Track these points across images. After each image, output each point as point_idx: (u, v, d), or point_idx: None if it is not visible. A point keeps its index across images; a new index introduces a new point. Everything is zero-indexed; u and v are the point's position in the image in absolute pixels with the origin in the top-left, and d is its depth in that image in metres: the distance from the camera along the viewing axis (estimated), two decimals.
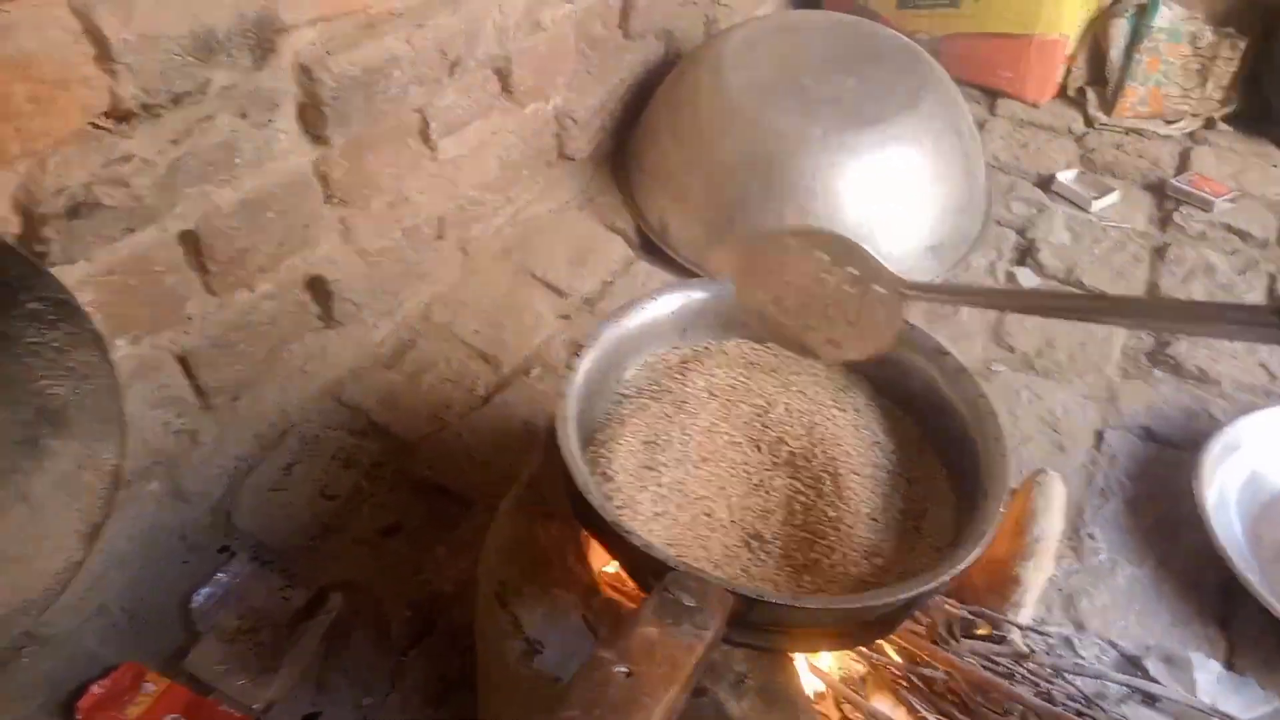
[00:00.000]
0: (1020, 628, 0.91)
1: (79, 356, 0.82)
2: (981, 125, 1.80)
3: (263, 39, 0.95)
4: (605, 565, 0.87)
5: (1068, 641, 0.97)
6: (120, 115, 0.87)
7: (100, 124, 0.86)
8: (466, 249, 1.39)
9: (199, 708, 0.89)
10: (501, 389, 1.24)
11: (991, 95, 1.89)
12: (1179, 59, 1.77)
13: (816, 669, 0.81)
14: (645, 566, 0.67)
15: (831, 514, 0.74)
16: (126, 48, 0.83)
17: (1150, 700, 0.90)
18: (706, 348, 0.90)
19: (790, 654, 0.71)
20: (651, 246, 1.49)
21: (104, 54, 0.82)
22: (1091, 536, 1.09)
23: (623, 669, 0.48)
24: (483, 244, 1.42)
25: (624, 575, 0.85)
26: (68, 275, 0.87)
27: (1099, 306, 0.86)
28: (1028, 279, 1.45)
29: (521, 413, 1.21)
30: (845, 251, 0.78)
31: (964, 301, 0.90)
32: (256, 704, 0.90)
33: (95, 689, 0.90)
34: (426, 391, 1.22)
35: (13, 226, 0.83)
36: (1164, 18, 1.74)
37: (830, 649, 0.74)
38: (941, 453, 0.80)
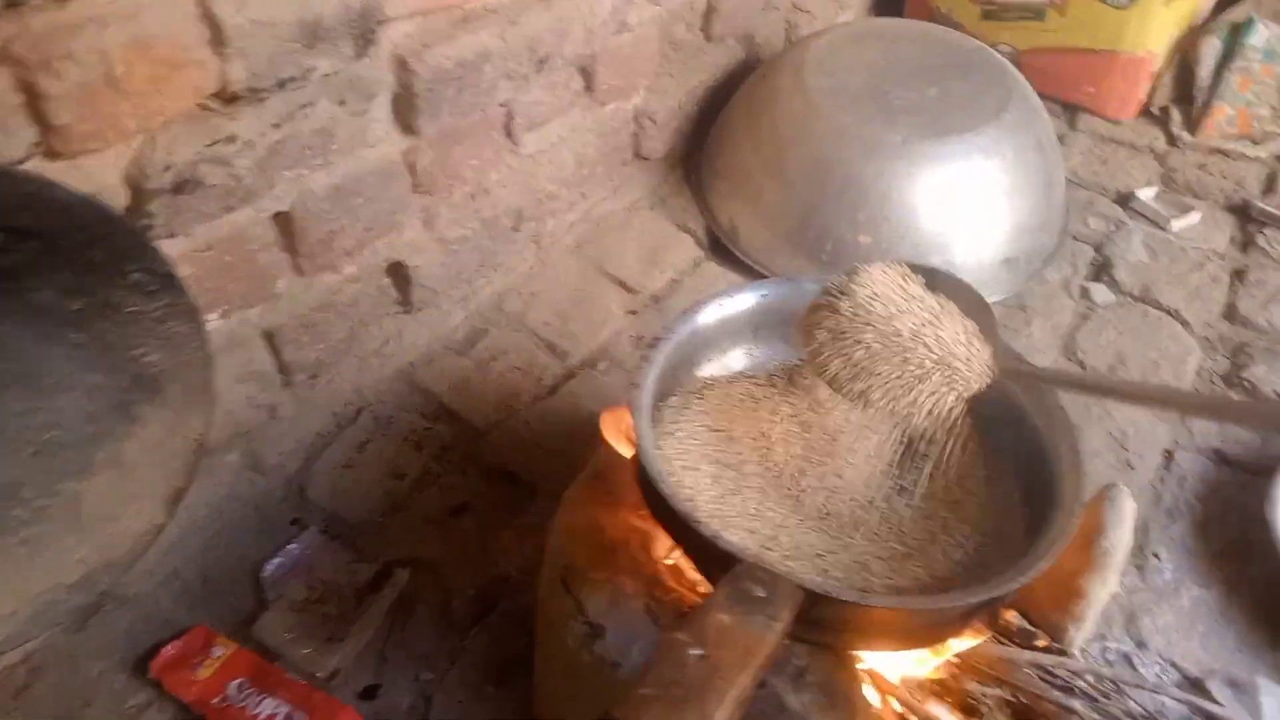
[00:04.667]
0: (1079, 646, 0.91)
1: (175, 328, 0.86)
2: (1061, 140, 1.77)
3: (365, 29, 0.98)
4: (666, 557, 0.88)
5: (1127, 659, 0.96)
6: (228, 97, 0.90)
7: (208, 105, 0.90)
8: (540, 242, 1.42)
9: (265, 673, 0.92)
10: (568, 380, 1.27)
11: (1072, 110, 1.86)
12: (1272, 79, 1.73)
13: (875, 671, 0.81)
14: (713, 558, 0.68)
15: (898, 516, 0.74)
16: (239, 32, 0.87)
17: None
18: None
19: (851, 653, 0.72)
20: (721, 248, 1.50)
21: (218, 37, 0.86)
22: (1156, 556, 1.07)
23: (697, 651, 0.49)
24: (556, 238, 1.44)
25: (682, 568, 0.87)
26: (167, 249, 0.90)
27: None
28: (1102, 295, 1.43)
29: (587, 405, 1.23)
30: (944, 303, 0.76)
31: (1062, 385, 0.84)
32: (320, 672, 0.93)
33: (168, 649, 0.93)
34: (496, 379, 1.25)
35: (121, 199, 0.87)
36: (1260, 36, 1.70)
37: (893, 649, 0.74)
38: (1013, 461, 0.80)
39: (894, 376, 0.73)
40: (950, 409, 0.74)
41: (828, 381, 0.76)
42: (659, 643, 0.50)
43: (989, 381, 0.74)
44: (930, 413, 0.74)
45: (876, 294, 0.74)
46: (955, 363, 0.73)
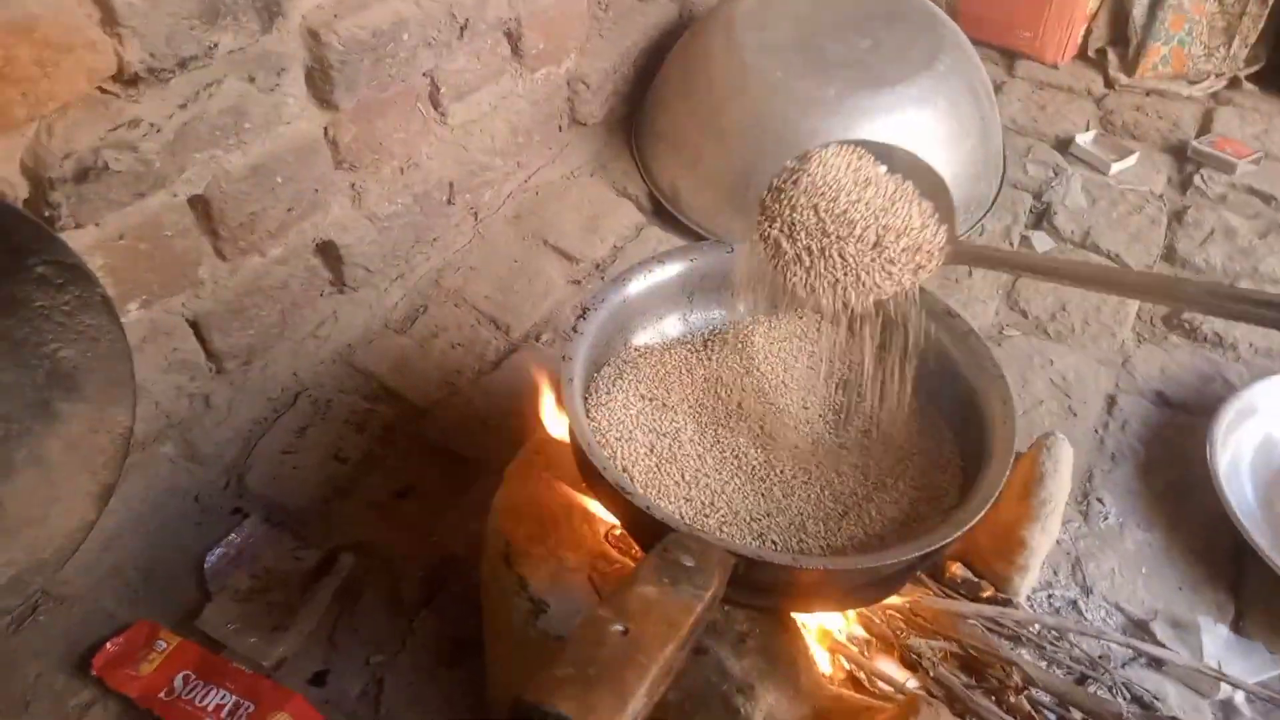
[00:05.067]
0: (1024, 595, 0.91)
1: (88, 320, 0.83)
2: (1000, 87, 1.77)
3: (269, 2, 0.94)
4: (613, 529, 0.87)
5: (1074, 605, 0.97)
6: (127, 80, 0.87)
7: (107, 88, 0.86)
8: (477, 214, 1.39)
9: (210, 665, 0.90)
10: (511, 354, 1.25)
11: (1010, 56, 1.86)
12: (1204, 16, 1.73)
13: (822, 630, 0.81)
14: (648, 528, 0.68)
15: (834, 476, 0.74)
16: (132, 11, 0.83)
17: (1156, 663, 0.90)
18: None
19: (793, 615, 0.72)
20: (663, 212, 1.48)
21: (109, 18, 0.83)
22: (1100, 501, 1.08)
23: (619, 627, 0.48)
24: (494, 210, 1.41)
25: (629, 539, 0.86)
26: (77, 240, 0.87)
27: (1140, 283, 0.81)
28: (1043, 243, 1.44)
29: (531, 378, 1.22)
30: (902, 182, 0.73)
31: (1016, 268, 0.81)
32: (267, 661, 0.92)
33: (110, 646, 0.91)
34: (438, 357, 1.23)
35: (21, 191, 0.84)
36: None
37: (833, 610, 0.75)
38: (947, 415, 0.80)
39: (844, 267, 0.71)
40: (905, 294, 0.73)
41: (781, 274, 0.74)
42: (582, 619, 0.49)
43: (944, 262, 0.73)
44: (884, 299, 0.73)
45: (828, 179, 0.72)
46: (909, 249, 0.71)
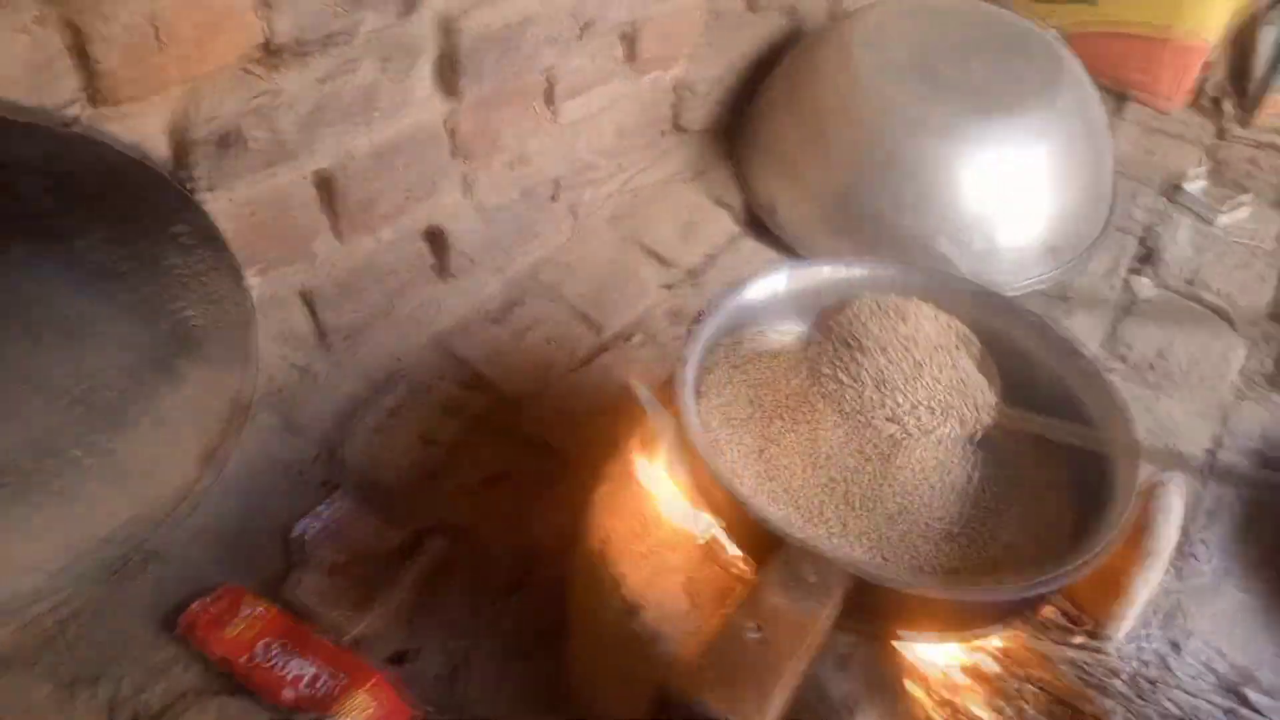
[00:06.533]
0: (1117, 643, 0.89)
1: (216, 285, 0.85)
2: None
3: None
4: (704, 533, 0.87)
5: (1163, 659, 0.95)
6: (272, 52, 0.89)
7: (254, 59, 0.89)
8: (577, 213, 1.40)
9: (294, 634, 0.91)
10: (602, 353, 1.25)
11: (1120, 97, 1.82)
12: None
13: (913, 662, 0.80)
14: (757, 536, 0.67)
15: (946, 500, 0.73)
16: None
17: None
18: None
19: (894, 642, 0.70)
20: (758, 224, 1.48)
21: None
22: (1195, 556, 1.05)
23: (755, 633, 0.48)
24: (593, 209, 1.42)
25: (717, 545, 0.86)
26: (208, 206, 0.90)
27: None
28: (1146, 288, 1.40)
29: (621, 378, 1.22)
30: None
31: None
32: (349, 635, 0.93)
33: (197, 606, 0.92)
34: (530, 349, 1.24)
35: (163, 152, 0.86)
36: None
37: (936, 640, 0.73)
38: (1065, 446, 0.78)
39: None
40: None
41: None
42: (718, 621, 0.49)
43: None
44: None
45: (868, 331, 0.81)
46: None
